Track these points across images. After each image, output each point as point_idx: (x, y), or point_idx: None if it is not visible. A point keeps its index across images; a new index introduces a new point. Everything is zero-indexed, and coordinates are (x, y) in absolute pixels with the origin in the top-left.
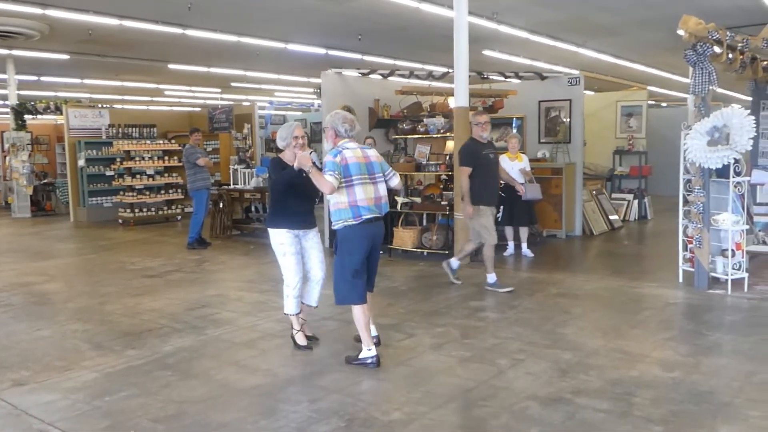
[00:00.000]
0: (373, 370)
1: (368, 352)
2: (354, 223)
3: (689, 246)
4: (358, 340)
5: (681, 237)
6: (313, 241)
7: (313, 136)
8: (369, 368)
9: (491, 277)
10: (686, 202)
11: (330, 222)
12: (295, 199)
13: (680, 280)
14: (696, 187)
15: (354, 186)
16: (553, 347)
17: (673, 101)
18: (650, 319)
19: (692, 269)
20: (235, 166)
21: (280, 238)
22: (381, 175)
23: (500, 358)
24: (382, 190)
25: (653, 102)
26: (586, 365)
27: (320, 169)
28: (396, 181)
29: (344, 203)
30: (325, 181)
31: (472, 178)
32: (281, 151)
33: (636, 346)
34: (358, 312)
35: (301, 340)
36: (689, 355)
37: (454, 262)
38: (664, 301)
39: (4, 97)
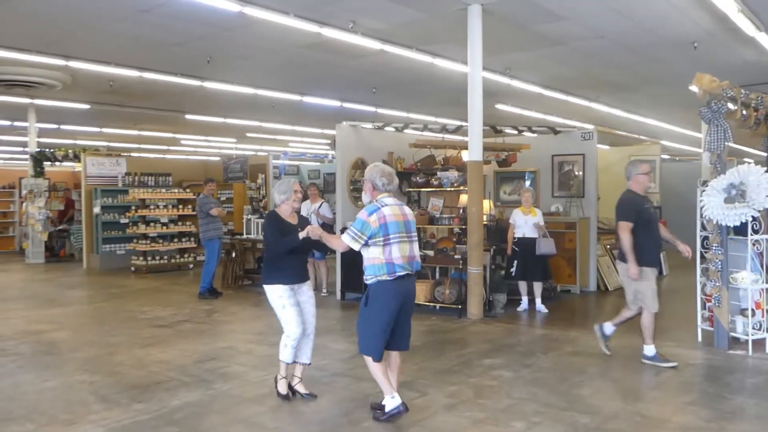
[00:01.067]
0: (384, 429)
1: (392, 400)
2: (388, 279)
3: (707, 304)
4: (375, 407)
5: (699, 295)
6: (306, 295)
7: (326, 187)
8: (401, 416)
9: (649, 350)
10: (703, 259)
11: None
12: (290, 255)
13: (699, 339)
14: (714, 244)
15: (391, 244)
16: (570, 409)
17: (686, 156)
18: (670, 380)
19: (711, 328)
20: (249, 216)
21: (277, 292)
22: (415, 233)
23: (515, 421)
24: (416, 248)
25: (667, 156)
26: (605, 430)
27: (329, 226)
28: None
29: (380, 259)
30: (339, 242)
31: (634, 236)
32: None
33: (656, 410)
34: (374, 365)
35: (282, 388)
36: (712, 420)
37: (608, 327)
38: (684, 361)
39: (24, 144)
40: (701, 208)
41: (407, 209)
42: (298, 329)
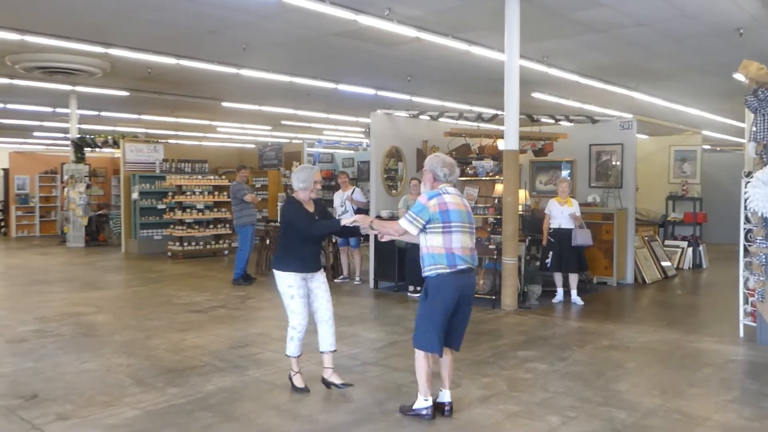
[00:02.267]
0: (418, 422)
1: (424, 402)
2: (448, 271)
3: (750, 299)
4: (404, 411)
5: (741, 289)
6: (319, 281)
7: (360, 175)
8: (424, 419)
9: None
10: (747, 252)
11: (421, 267)
12: (308, 243)
13: (741, 335)
14: (758, 237)
15: (452, 233)
16: (606, 405)
17: (728, 146)
18: (710, 377)
19: (754, 324)
20: (283, 203)
21: (288, 281)
22: (473, 226)
23: (550, 415)
24: (473, 242)
25: (708, 147)
26: (642, 427)
27: (365, 210)
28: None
29: (439, 248)
30: (396, 226)
31: None
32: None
33: (696, 407)
34: (423, 361)
35: (299, 382)
36: (754, 419)
37: None
38: (725, 357)
39: (66, 131)
40: (745, 200)
41: (467, 201)
42: (303, 321)
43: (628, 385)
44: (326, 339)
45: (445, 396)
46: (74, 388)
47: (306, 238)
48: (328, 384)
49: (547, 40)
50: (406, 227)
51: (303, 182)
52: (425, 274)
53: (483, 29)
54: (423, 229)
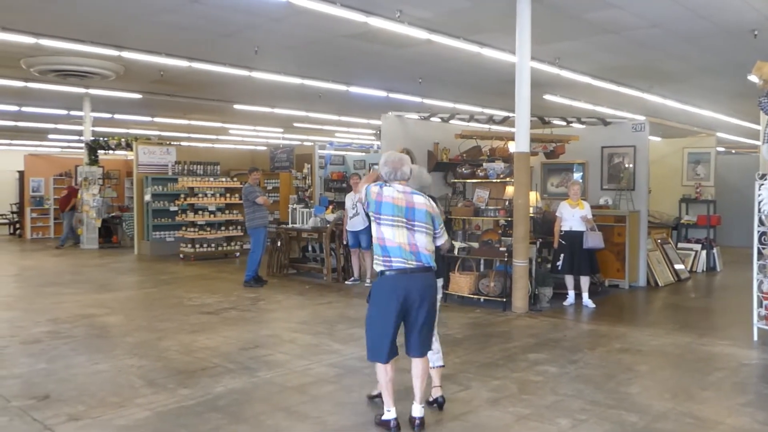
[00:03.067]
0: (430, 426)
1: (387, 413)
2: (385, 271)
3: (764, 302)
4: (376, 421)
5: (755, 292)
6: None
7: None
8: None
9: None
10: (761, 255)
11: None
12: None
13: (755, 338)
14: None
15: (382, 225)
16: (617, 408)
17: (743, 148)
18: (723, 380)
19: None
20: (294, 206)
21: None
22: (425, 225)
23: (561, 418)
24: (422, 240)
25: (722, 149)
26: (654, 430)
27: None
28: (442, 241)
29: (375, 238)
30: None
31: None
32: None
33: (708, 411)
34: (378, 369)
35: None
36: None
37: None
38: (738, 361)
39: (80, 133)
40: (759, 203)
41: (421, 200)
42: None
43: (640, 388)
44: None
45: (415, 410)
46: (86, 389)
47: None
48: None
49: (559, 41)
50: (361, 190)
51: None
52: (375, 267)
53: (494, 31)
54: (366, 208)
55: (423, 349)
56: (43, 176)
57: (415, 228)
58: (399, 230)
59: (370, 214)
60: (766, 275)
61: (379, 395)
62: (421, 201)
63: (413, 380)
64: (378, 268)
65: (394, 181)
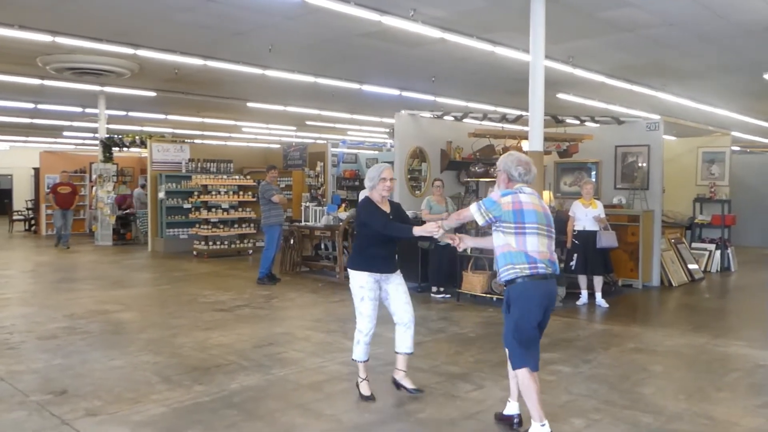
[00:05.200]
0: (438, 424)
1: (540, 428)
2: (529, 274)
3: None
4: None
5: None
6: (395, 283)
7: None
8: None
9: None
10: None
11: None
12: (378, 243)
13: None
14: None
15: (526, 234)
16: (631, 408)
17: (758, 147)
18: (738, 381)
19: None
20: (307, 204)
21: (360, 281)
22: (552, 229)
23: (574, 417)
24: (552, 246)
25: (737, 148)
26: (668, 431)
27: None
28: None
29: (512, 247)
30: (466, 212)
31: None
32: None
33: (723, 412)
34: (527, 380)
35: (365, 390)
36: None
37: None
38: (754, 362)
39: (94, 130)
40: None
41: (545, 203)
42: (370, 324)
43: (654, 388)
44: (404, 341)
45: (512, 407)
46: (102, 384)
47: (379, 238)
48: (398, 386)
49: (573, 40)
50: (474, 214)
51: (370, 180)
52: (501, 277)
53: (508, 30)
54: (492, 224)
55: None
56: (59, 173)
57: (550, 235)
58: (541, 238)
59: (506, 226)
60: None
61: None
62: (545, 205)
63: (512, 380)
64: (513, 275)
65: (525, 183)
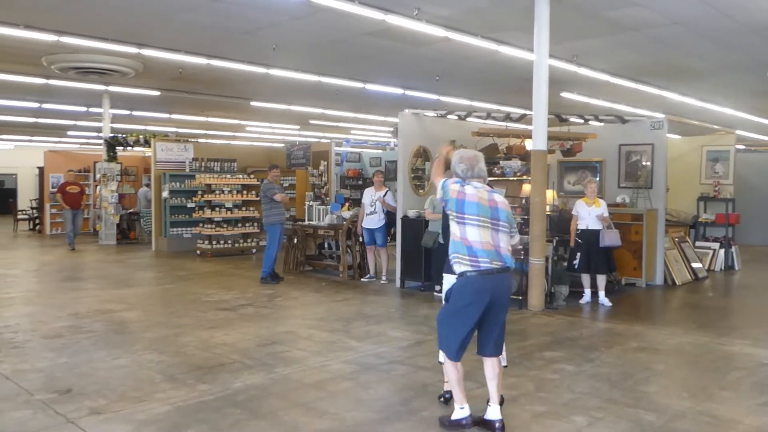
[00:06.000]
0: (440, 425)
1: (460, 411)
2: (471, 270)
3: None
4: (444, 423)
5: None
6: None
7: (388, 174)
8: (465, 429)
9: None
10: None
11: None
12: None
13: None
14: None
15: (466, 224)
16: (634, 406)
17: (763, 146)
18: (742, 380)
19: None
20: (311, 203)
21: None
22: (506, 225)
23: (577, 415)
24: (504, 240)
25: (742, 147)
26: (671, 429)
27: (393, 215)
28: (516, 239)
29: (457, 236)
30: (435, 174)
31: None
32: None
33: (727, 411)
34: (449, 366)
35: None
36: None
37: None
38: (757, 361)
39: (99, 129)
40: None
41: (502, 198)
42: None
43: (657, 387)
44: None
45: (491, 412)
46: (107, 383)
47: None
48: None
49: (577, 39)
50: (437, 185)
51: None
52: (450, 265)
53: (512, 29)
54: (445, 207)
55: (498, 349)
56: (63, 172)
57: (500, 228)
58: (484, 230)
59: (450, 212)
60: None
61: (449, 393)
62: (502, 200)
63: (489, 382)
64: (461, 269)
65: (472, 178)
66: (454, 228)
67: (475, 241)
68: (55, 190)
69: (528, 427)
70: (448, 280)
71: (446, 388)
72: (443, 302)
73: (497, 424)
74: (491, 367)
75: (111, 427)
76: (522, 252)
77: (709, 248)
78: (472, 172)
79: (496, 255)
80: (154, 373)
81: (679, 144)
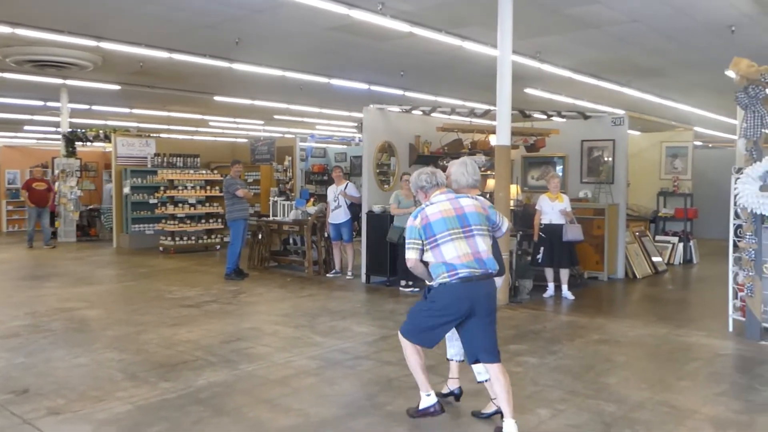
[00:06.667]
0: (409, 417)
1: (426, 398)
2: (448, 279)
3: (740, 294)
4: (412, 414)
5: (731, 284)
6: None
7: (353, 170)
8: (434, 416)
9: None
10: (736, 248)
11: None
12: None
13: (730, 329)
14: (747, 233)
15: (439, 245)
16: (595, 398)
17: (719, 142)
18: (699, 370)
19: (743, 318)
20: (275, 198)
21: None
22: (480, 227)
23: (540, 408)
24: (482, 243)
25: (699, 143)
26: (631, 419)
27: (358, 205)
28: (505, 227)
29: (433, 261)
30: (408, 260)
31: None
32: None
33: (684, 401)
34: (410, 351)
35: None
36: (742, 413)
37: None
38: (714, 351)
39: (57, 124)
40: (735, 196)
41: (468, 201)
42: None
43: (618, 378)
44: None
45: (508, 427)
46: (66, 382)
47: None
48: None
49: (540, 35)
50: (411, 255)
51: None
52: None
53: (476, 24)
54: (423, 248)
55: (491, 355)
56: (19, 168)
57: (473, 233)
58: (459, 242)
59: (424, 242)
60: (741, 267)
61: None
62: (468, 203)
63: (500, 393)
64: (440, 281)
65: (435, 188)
66: (428, 257)
67: (453, 257)
68: (18, 186)
69: (493, 420)
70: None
71: (488, 410)
72: (422, 297)
73: (437, 406)
74: (495, 379)
75: (70, 427)
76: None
77: (669, 242)
78: (436, 178)
79: (476, 263)
80: (114, 371)
81: (639, 140)
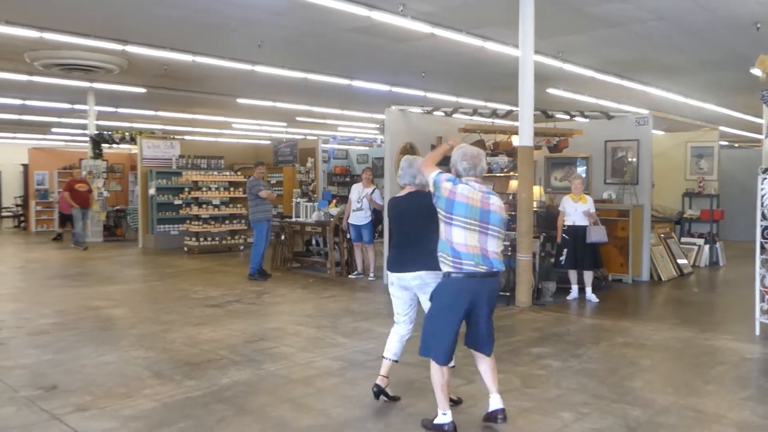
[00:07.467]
0: (422, 427)
1: (443, 416)
2: (454, 272)
3: (767, 297)
4: (426, 426)
5: (758, 287)
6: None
7: (375, 171)
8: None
9: None
10: (764, 250)
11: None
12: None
13: (757, 333)
14: None
15: (453, 226)
16: (620, 401)
17: (746, 142)
18: (725, 374)
19: None
20: (298, 200)
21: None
22: (498, 229)
23: (563, 411)
24: (493, 244)
25: (725, 143)
26: (656, 424)
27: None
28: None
29: (443, 235)
30: (427, 166)
31: None
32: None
33: (710, 405)
34: (434, 370)
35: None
36: None
37: None
38: (740, 355)
39: (84, 127)
40: (762, 197)
41: (497, 201)
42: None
43: (643, 382)
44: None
45: (493, 402)
46: (93, 379)
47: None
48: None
49: (562, 35)
50: (429, 176)
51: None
52: (440, 261)
53: (497, 25)
54: (435, 202)
55: (485, 346)
56: (48, 170)
57: (489, 232)
58: (471, 233)
59: (439, 210)
60: None
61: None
62: (497, 203)
63: (484, 375)
64: (445, 269)
65: (472, 177)
66: (441, 226)
67: (460, 243)
68: (46, 187)
69: (515, 423)
70: (429, 278)
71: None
72: (429, 301)
73: (500, 415)
74: (483, 362)
75: (97, 423)
76: (509, 248)
77: (694, 244)
78: (474, 171)
79: (482, 259)
80: (140, 369)
81: (664, 140)
